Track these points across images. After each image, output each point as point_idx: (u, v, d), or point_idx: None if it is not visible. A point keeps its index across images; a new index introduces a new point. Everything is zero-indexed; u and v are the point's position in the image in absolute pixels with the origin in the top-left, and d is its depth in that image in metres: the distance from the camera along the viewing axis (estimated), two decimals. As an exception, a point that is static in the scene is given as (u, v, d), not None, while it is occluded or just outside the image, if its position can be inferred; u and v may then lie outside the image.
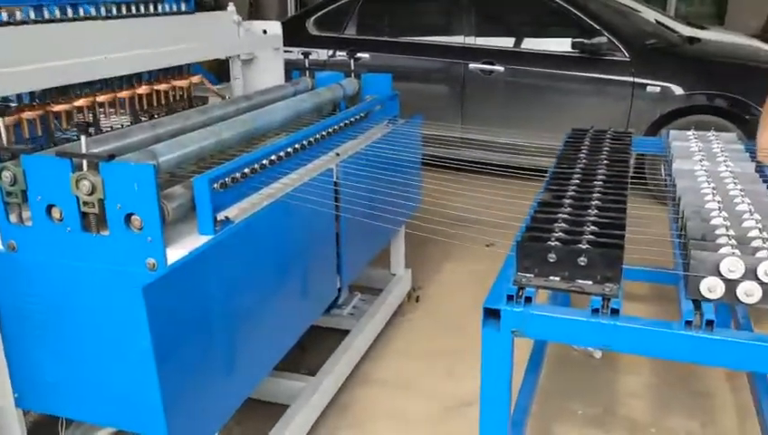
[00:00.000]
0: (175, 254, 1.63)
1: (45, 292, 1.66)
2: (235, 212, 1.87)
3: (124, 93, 2.31)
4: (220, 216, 1.78)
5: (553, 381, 2.70)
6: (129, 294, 1.50)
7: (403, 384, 2.76)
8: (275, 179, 2.04)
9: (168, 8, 2.62)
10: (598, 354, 2.88)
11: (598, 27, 4.86)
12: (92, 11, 2.26)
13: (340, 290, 2.56)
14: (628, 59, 4.77)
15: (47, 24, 2.08)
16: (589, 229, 1.49)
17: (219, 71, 3.56)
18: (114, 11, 2.34)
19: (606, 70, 4.83)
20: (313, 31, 5.76)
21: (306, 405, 2.31)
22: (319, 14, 5.84)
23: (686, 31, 5.48)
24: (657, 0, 8.57)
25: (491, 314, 1.43)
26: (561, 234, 1.46)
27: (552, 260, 1.40)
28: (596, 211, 1.61)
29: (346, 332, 2.88)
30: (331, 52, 5.47)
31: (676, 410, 2.56)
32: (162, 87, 2.48)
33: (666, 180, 2.16)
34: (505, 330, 1.41)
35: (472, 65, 5.17)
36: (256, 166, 1.94)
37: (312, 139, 2.30)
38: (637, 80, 4.72)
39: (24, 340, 1.73)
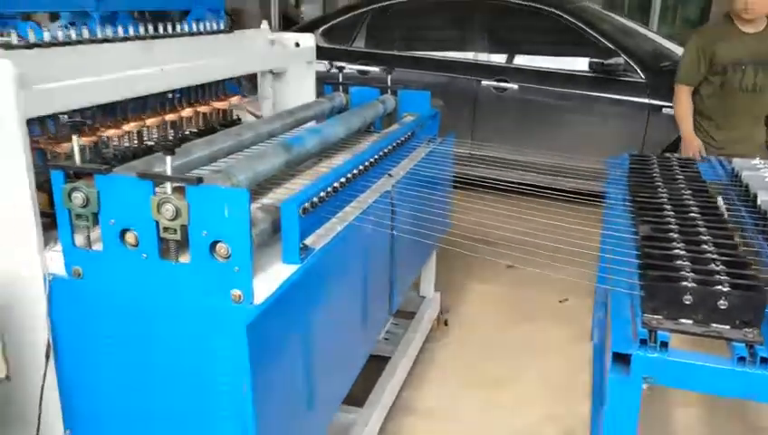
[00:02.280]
0: (260, 285, 1.51)
1: (114, 322, 1.53)
2: (312, 239, 1.75)
3: (171, 116, 2.20)
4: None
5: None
6: (227, 331, 1.38)
7: (448, 415, 2.65)
8: (346, 202, 1.94)
9: (206, 27, 2.51)
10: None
11: (614, 48, 4.84)
12: (130, 31, 2.13)
13: (387, 315, 2.45)
14: (644, 80, 4.75)
15: (90, 45, 1.94)
16: (718, 268, 1.41)
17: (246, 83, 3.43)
18: (152, 29, 2.22)
19: (622, 91, 4.80)
20: (321, 43, 5.65)
21: (360, 439, 2.20)
22: (326, 25, 5.75)
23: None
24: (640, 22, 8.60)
25: (619, 358, 1.34)
26: (692, 274, 1.38)
27: (687, 302, 1.32)
28: (713, 247, 1.53)
29: (382, 357, 2.77)
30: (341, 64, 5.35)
31: (733, 444, 2.50)
32: (204, 109, 2.37)
33: (739, 211, 2.10)
34: (636, 376, 1.33)
35: (484, 82, 5.11)
36: (330, 189, 1.83)
37: (372, 160, 2.20)
38: (653, 102, 4.70)
39: (82, 373, 1.59)
